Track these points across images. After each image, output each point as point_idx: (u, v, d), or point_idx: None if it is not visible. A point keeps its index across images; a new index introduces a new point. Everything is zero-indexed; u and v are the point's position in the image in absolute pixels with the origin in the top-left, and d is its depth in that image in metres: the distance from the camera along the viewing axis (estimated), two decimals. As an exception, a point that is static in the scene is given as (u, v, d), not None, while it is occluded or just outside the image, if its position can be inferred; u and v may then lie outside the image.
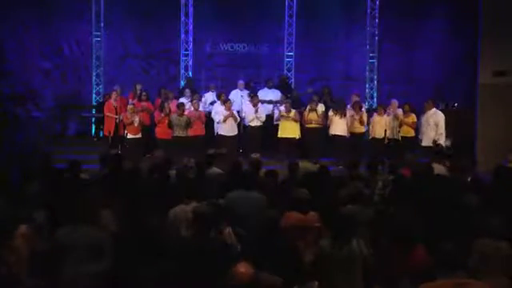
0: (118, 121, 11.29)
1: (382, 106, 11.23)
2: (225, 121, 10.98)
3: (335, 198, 5.69)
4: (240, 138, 11.25)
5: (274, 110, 11.61)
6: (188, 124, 10.64)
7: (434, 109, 10.45)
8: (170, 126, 10.63)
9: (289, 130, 11.08)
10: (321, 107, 11.51)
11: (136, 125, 10.61)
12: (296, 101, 11.92)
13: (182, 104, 10.97)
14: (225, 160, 8.19)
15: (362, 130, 11.17)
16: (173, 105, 11.29)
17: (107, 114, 11.52)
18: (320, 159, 10.22)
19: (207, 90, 12.21)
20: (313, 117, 11.23)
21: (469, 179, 6.95)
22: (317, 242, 4.49)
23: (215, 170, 7.33)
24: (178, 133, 10.64)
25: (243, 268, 3.41)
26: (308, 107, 11.34)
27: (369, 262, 4.29)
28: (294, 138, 11.10)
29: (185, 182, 6.33)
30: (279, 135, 11.14)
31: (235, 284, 3.37)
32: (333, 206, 5.20)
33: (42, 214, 4.89)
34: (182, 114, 10.67)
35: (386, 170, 7.64)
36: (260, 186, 6.09)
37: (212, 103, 11.71)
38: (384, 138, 10.95)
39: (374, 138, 11.09)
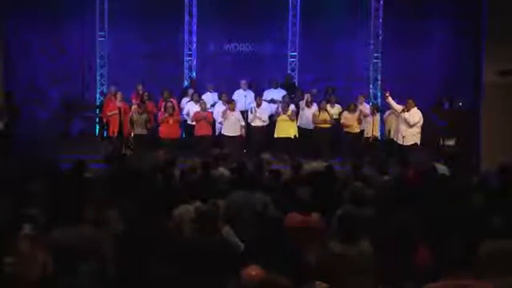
0: (123, 121, 11.32)
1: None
2: (224, 117, 10.94)
3: (339, 198, 5.68)
4: (243, 138, 11.25)
5: (277, 109, 11.60)
6: (147, 122, 10.64)
7: (415, 108, 10.46)
8: (131, 123, 10.62)
9: (284, 129, 11.09)
10: (337, 108, 11.57)
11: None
12: (300, 100, 11.94)
13: (144, 102, 10.98)
14: (229, 160, 8.20)
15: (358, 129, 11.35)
16: (175, 104, 11.29)
17: (109, 113, 11.55)
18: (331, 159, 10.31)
19: (206, 91, 12.16)
20: (323, 117, 11.26)
21: (475, 179, 6.93)
22: (320, 243, 4.46)
23: (222, 170, 7.32)
24: (138, 130, 10.61)
25: (253, 271, 3.39)
26: (319, 107, 11.37)
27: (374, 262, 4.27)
28: (290, 138, 11.11)
29: (189, 182, 6.34)
30: (275, 135, 11.17)
31: (245, 287, 3.35)
32: (337, 206, 5.19)
33: (44, 214, 4.90)
34: (141, 112, 10.66)
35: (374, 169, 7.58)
36: (264, 186, 6.08)
37: (213, 105, 11.70)
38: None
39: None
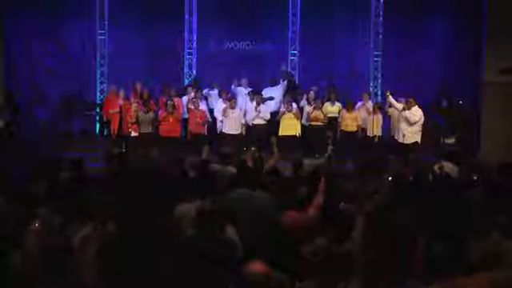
0: (122, 118, 11.34)
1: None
2: (225, 115, 10.95)
3: (335, 196, 5.66)
4: (244, 136, 11.25)
5: (280, 107, 11.59)
6: (155, 120, 10.65)
7: (416, 107, 10.45)
8: (137, 122, 10.63)
9: (288, 127, 11.09)
10: (337, 106, 11.59)
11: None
12: (300, 98, 11.96)
13: (149, 100, 11.00)
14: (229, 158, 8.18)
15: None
16: (175, 102, 11.32)
17: (111, 111, 11.56)
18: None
19: (212, 88, 12.16)
20: (318, 115, 11.27)
21: (474, 177, 6.93)
22: (315, 240, 4.46)
23: (231, 169, 7.28)
24: (144, 129, 10.63)
25: (257, 266, 3.38)
26: (313, 105, 11.38)
27: (369, 260, 4.25)
28: (295, 136, 11.11)
29: (189, 180, 6.34)
30: (280, 133, 11.16)
31: (249, 282, 3.34)
32: (332, 204, 5.18)
33: (46, 213, 4.91)
34: (147, 111, 10.68)
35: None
36: (263, 184, 6.07)
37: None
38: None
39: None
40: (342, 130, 11.35)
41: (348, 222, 4.31)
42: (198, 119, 11.03)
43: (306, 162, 7.82)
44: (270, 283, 3.35)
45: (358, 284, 3.92)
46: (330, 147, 10.05)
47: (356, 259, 4.12)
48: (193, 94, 11.52)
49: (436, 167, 7.51)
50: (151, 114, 10.67)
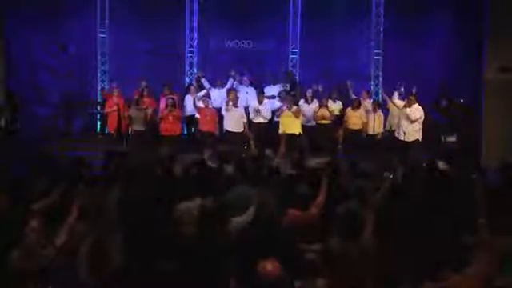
0: (122, 117, 11.35)
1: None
2: (227, 108, 10.92)
3: (340, 194, 5.66)
4: (245, 135, 11.24)
5: (281, 105, 11.57)
6: (146, 117, 10.63)
7: (417, 104, 10.42)
8: (130, 120, 10.60)
9: (289, 125, 11.06)
10: (339, 104, 11.56)
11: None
12: (299, 96, 11.95)
13: (141, 98, 10.97)
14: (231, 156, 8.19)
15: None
16: (175, 100, 11.30)
17: (108, 109, 11.58)
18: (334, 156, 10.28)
19: (215, 87, 12.12)
20: (324, 113, 11.27)
21: (475, 176, 6.93)
22: (318, 239, 4.44)
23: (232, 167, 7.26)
24: (137, 127, 10.59)
25: (270, 265, 3.36)
26: (318, 104, 11.38)
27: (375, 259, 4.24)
28: (295, 134, 11.08)
29: (190, 179, 6.33)
30: (280, 131, 11.12)
31: (262, 281, 3.33)
32: (338, 203, 5.17)
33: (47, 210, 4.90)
34: (140, 108, 10.66)
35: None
36: (264, 182, 6.07)
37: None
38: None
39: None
40: (347, 129, 11.34)
41: (354, 220, 4.27)
42: (209, 118, 11.00)
43: (311, 160, 7.82)
44: (282, 283, 3.33)
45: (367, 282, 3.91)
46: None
47: (367, 257, 4.11)
48: (203, 93, 11.46)
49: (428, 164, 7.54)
50: (144, 112, 10.67)
